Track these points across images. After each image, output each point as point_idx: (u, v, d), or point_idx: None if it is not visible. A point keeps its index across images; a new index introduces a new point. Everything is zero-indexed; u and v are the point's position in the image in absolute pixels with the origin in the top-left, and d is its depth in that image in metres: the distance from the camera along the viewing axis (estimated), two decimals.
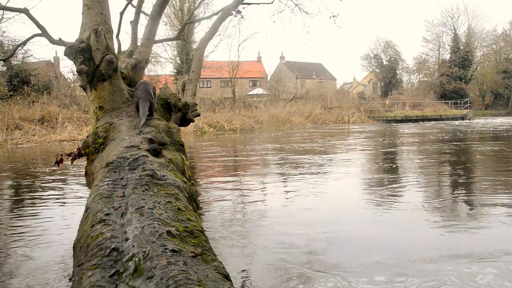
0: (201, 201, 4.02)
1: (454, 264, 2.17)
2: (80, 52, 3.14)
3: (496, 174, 5.22)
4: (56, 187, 5.20)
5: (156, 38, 5.52)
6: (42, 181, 5.68)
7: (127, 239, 1.45)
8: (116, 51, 3.73)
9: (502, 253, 2.35)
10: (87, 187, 3.48)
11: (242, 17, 7.09)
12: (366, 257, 2.34)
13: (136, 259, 1.31)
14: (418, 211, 3.39)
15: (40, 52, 52.98)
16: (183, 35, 24.31)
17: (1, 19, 19.68)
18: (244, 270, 2.20)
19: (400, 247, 2.52)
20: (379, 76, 47.81)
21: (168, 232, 1.45)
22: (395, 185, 4.59)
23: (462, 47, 46.07)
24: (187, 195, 2.07)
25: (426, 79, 48.44)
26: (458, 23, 47.06)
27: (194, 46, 28.43)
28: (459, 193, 4.11)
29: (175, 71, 31.47)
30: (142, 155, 2.19)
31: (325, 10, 15.47)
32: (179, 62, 31.15)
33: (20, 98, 18.20)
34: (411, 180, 4.86)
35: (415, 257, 2.31)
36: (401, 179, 5.00)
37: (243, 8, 7.27)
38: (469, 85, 45.87)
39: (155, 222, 1.52)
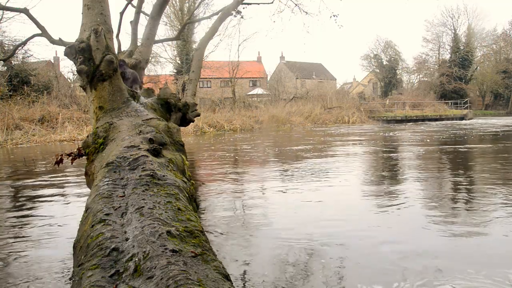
0: (200, 201, 4.02)
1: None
2: (80, 52, 3.14)
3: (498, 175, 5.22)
4: (56, 187, 5.20)
5: (156, 38, 5.54)
6: (42, 181, 5.68)
7: (127, 239, 1.45)
8: (116, 51, 3.73)
9: None
10: (87, 187, 3.48)
11: (242, 17, 7.10)
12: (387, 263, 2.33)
13: (136, 259, 1.31)
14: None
15: (40, 52, 53.10)
16: (183, 35, 24.32)
17: (1, 19, 19.68)
18: (244, 271, 2.20)
19: (413, 250, 2.52)
20: (379, 76, 47.82)
21: (168, 232, 1.45)
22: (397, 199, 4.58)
23: (462, 47, 46.08)
24: (187, 195, 2.07)
25: (426, 79, 48.45)
26: (458, 23, 47.11)
27: (194, 46, 28.43)
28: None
29: (175, 71, 31.49)
30: (142, 155, 2.19)
31: (325, 10, 15.49)
32: (179, 62, 31.16)
33: (20, 98, 18.20)
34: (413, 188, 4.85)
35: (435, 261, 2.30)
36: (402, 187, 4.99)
37: (243, 8, 7.28)
38: (469, 85, 45.88)
39: (155, 222, 1.52)
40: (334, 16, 12.31)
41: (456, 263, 2.20)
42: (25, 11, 4.79)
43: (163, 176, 2.03)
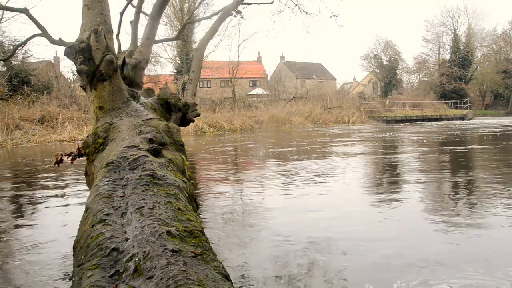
0: (200, 200, 4.02)
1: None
2: (80, 52, 3.14)
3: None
4: (56, 187, 5.20)
5: (156, 38, 5.53)
6: (42, 181, 5.68)
7: (127, 239, 1.45)
8: (116, 51, 3.73)
9: None
10: (87, 187, 3.48)
11: (242, 17, 7.09)
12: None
13: (136, 259, 1.31)
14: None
15: (40, 52, 53.01)
16: (183, 35, 24.31)
17: (1, 19, 19.67)
18: (244, 275, 2.20)
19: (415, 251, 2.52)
20: (379, 76, 47.80)
21: (168, 232, 1.45)
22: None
23: (462, 47, 46.05)
24: (187, 195, 2.07)
25: (426, 79, 48.42)
26: (458, 23, 47.07)
27: (194, 46, 28.42)
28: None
29: (175, 71, 31.47)
30: (142, 155, 2.19)
31: (325, 10, 15.47)
32: (179, 62, 31.15)
33: (20, 98, 18.20)
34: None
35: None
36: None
37: (243, 8, 7.27)
38: (469, 85, 45.85)
39: (155, 222, 1.52)
40: (334, 16, 12.29)
41: (455, 262, 2.20)
42: (25, 11, 4.79)
43: (163, 176, 2.03)
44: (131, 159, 2.15)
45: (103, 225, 1.56)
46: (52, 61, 30.40)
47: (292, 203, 3.86)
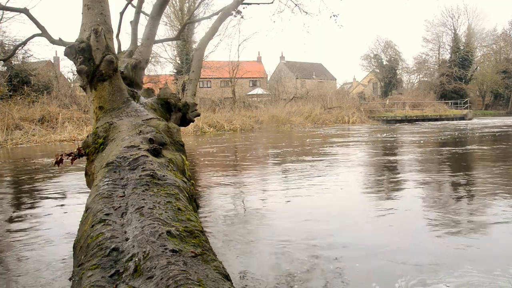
0: (200, 200, 4.02)
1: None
2: (80, 52, 3.14)
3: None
4: (56, 187, 5.20)
5: (156, 38, 5.53)
6: (42, 181, 5.68)
7: (127, 239, 1.45)
8: (116, 51, 3.73)
9: None
10: (87, 187, 3.48)
11: (242, 17, 7.09)
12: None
13: (136, 259, 1.31)
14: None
15: (40, 52, 52.95)
16: (183, 35, 24.31)
17: (1, 19, 19.66)
18: (244, 271, 2.20)
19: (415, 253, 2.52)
20: (379, 76, 47.79)
21: (168, 232, 1.45)
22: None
23: (462, 47, 46.04)
24: (187, 195, 2.07)
25: (426, 79, 48.40)
26: (458, 23, 47.05)
27: (194, 46, 28.40)
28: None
29: (175, 71, 31.47)
30: (142, 155, 2.19)
31: (325, 10, 15.49)
32: (179, 62, 31.14)
33: (20, 98, 18.20)
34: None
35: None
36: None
37: (243, 8, 7.27)
38: (469, 85, 45.84)
39: (155, 222, 1.52)
40: (334, 16, 12.30)
41: (454, 261, 2.20)
42: (25, 11, 4.80)
43: (163, 176, 2.03)
44: (131, 159, 2.15)
45: (103, 225, 1.56)
46: (52, 61, 30.40)
47: (290, 202, 3.87)
